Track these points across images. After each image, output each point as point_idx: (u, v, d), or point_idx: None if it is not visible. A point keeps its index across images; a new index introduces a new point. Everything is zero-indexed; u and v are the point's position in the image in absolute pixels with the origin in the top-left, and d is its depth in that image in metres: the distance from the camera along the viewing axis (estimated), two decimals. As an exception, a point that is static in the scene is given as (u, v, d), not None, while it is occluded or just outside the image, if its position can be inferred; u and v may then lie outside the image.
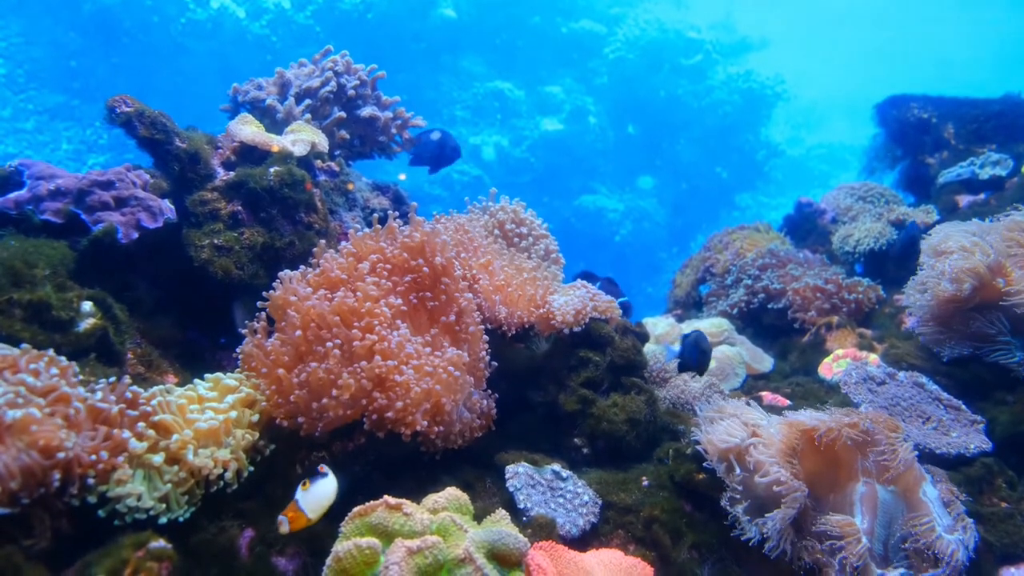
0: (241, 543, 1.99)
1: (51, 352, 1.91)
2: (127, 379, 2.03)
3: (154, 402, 2.02)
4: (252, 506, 2.10)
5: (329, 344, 2.21)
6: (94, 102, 13.58)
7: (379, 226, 2.67)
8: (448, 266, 2.57)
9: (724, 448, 2.22)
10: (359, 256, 2.53)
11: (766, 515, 2.04)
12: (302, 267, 2.55)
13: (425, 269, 2.52)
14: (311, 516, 1.84)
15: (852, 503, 2.12)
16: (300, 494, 1.85)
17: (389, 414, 2.15)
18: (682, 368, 3.05)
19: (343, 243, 2.70)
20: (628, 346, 2.89)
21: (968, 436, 2.67)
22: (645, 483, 2.42)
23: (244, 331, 2.43)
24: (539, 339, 2.89)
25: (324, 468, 1.91)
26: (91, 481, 1.76)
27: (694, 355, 2.94)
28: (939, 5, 25.96)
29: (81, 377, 1.94)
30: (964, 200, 4.47)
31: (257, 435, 2.16)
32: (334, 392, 2.15)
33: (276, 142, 3.04)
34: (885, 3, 28.08)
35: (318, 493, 1.87)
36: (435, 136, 3.59)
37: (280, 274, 2.47)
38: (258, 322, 2.42)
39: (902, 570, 1.95)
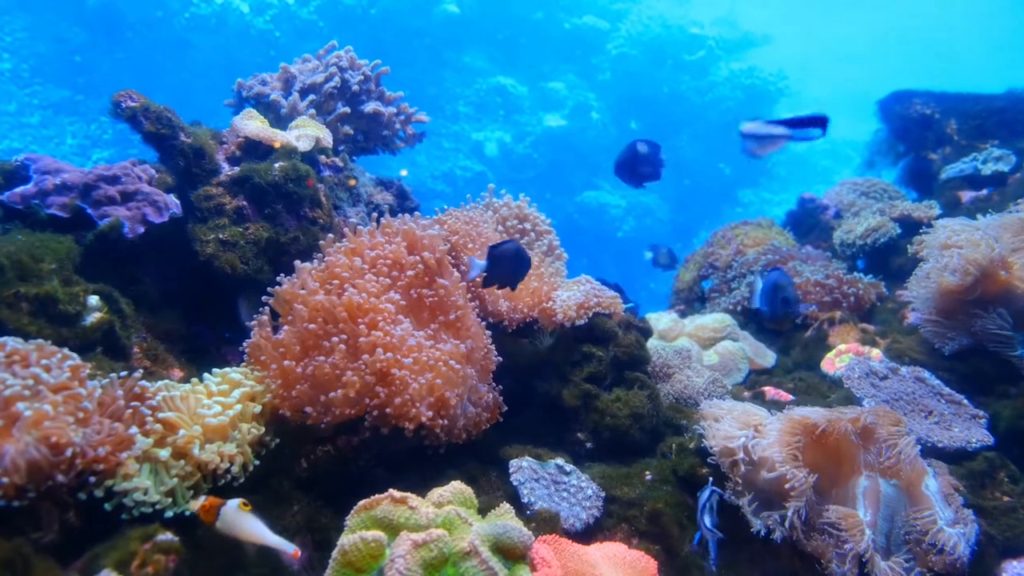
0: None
1: (65, 350, 1.92)
2: (138, 373, 2.04)
3: (159, 397, 2.04)
4: (258, 499, 2.10)
5: (335, 339, 2.23)
6: (98, 97, 13.62)
7: (375, 224, 2.68)
8: (442, 261, 2.58)
9: (729, 445, 2.23)
10: (356, 252, 2.54)
11: (773, 510, 2.06)
12: (315, 260, 2.56)
13: (421, 265, 2.53)
14: (218, 525, 1.76)
15: (855, 497, 2.13)
16: (235, 506, 1.76)
17: (388, 410, 2.16)
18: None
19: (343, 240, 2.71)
20: (631, 341, 2.90)
21: (970, 430, 2.67)
22: (648, 477, 2.43)
23: (251, 324, 2.44)
24: (543, 334, 2.90)
25: (297, 554, 1.77)
26: (93, 479, 1.77)
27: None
28: (944, 0, 25.90)
29: (88, 372, 1.95)
30: (967, 196, 4.47)
31: (263, 429, 2.17)
32: (339, 390, 2.16)
33: (280, 137, 3.05)
34: (888, -1, 28.05)
35: (244, 524, 1.75)
36: (641, 148, 3.14)
37: (297, 263, 2.48)
38: (264, 315, 2.43)
39: (905, 559, 1.97)
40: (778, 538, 2.03)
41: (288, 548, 1.75)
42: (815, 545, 2.03)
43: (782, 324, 3.83)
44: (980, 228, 3.00)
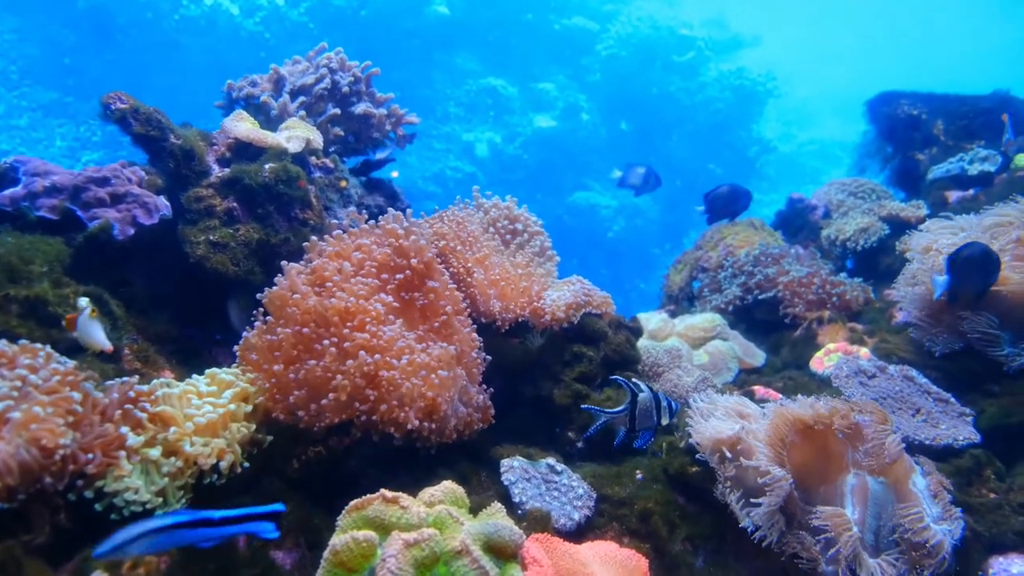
0: (239, 537, 2.00)
1: (49, 349, 1.92)
2: (136, 378, 2.04)
3: (158, 394, 2.04)
4: (249, 500, 2.11)
5: (326, 342, 2.23)
6: (88, 99, 13.55)
7: (363, 225, 2.69)
8: (430, 264, 2.58)
9: (716, 440, 2.24)
10: (342, 255, 2.54)
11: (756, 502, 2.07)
12: (303, 263, 2.56)
13: (408, 271, 2.53)
14: (79, 330, 2.13)
15: (843, 494, 2.15)
16: (86, 314, 2.12)
17: (375, 416, 2.17)
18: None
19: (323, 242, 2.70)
20: (621, 341, 2.91)
21: (957, 428, 2.70)
22: (639, 476, 2.44)
23: (245, 326, 2.43)
24: (533, 334, 2.91)
25: (110, 349, 2.19)
26: (81, 481, 1.77)
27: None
28: (932, 2, 26.03)
29: (79, 374, 1.95)
30: (953, 196, 4.50)
31: (253, 427, 2.17)
32: (330, 396, 2.16)
33: (271, 139, 3.05)
34: (877, 0, 28.17)
35: (86, 328, 2.12)
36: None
37: (284, 264, 2.47)
38: (257, 318, 2.43)
39: (894, 557, 1.98)
40: (763, 535, 2.04)
41: (106, 345, 2.14)
42: (803, 542, 2.04)
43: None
44: (964, 229, 3.03)
